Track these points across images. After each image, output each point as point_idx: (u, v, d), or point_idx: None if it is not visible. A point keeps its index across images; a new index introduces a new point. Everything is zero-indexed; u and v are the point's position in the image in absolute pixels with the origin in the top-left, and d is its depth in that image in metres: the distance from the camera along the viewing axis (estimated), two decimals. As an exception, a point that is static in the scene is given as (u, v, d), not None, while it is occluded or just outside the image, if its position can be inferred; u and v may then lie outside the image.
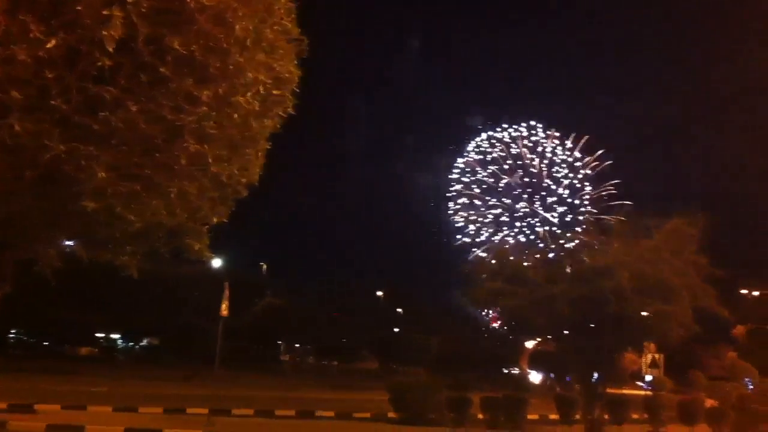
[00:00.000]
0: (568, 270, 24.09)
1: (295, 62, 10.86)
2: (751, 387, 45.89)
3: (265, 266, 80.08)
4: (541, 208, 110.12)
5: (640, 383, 47.35)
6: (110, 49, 8.22)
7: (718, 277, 23.93)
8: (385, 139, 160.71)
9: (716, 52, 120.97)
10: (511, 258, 24.73)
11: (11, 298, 12.06)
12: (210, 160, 10.06)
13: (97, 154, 9.07)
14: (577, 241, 24.56)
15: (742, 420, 26.16)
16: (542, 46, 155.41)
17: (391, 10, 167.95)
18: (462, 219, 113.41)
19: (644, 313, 23.10)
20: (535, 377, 75.28)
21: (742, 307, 62.86)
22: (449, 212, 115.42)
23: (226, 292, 20.04)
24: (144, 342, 67.49)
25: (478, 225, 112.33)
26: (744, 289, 64.98)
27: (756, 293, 65.44)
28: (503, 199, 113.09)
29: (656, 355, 33.50)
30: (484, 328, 75.63)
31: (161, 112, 9.12)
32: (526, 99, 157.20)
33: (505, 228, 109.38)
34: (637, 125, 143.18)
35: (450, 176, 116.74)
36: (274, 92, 10.36)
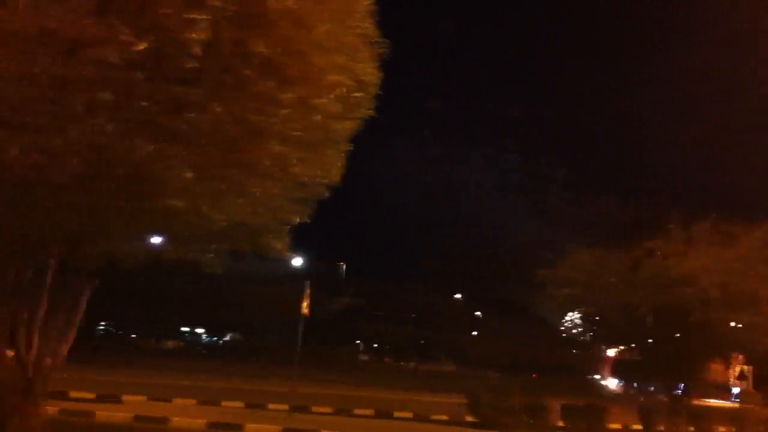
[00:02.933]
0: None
1: (375, 65, 10.91)
2: None
3: (344, 266, 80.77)
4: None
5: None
6: (196, 52, 8.43)
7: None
8: (464, 138, 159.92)
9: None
10: (591, 263, 24.24)
11: (100, 292, 12.53)
12: (293, 162, 10.21)
13: (183, 154, 9.32)
14: (660, 247, 23.80)
15: (836, 438, 25.08)
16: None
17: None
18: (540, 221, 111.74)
19: (731, 324, 22.39)
20: (616, 385, 73.83)
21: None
22: (530, 214, 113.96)
23: (307, 291, 20.33)
24: (227, 337, 68.98)
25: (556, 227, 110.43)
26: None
27: None
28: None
29: (744, 367, 32.42)
30: (563, 335, 74.53)
31: (245, 114, 9.30)
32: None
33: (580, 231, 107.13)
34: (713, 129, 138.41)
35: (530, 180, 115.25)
36: (355, 94, 10.43)
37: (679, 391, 24.88)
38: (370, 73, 10.64)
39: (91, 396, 22.18)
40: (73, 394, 21.97)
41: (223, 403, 23.92)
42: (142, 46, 8.32)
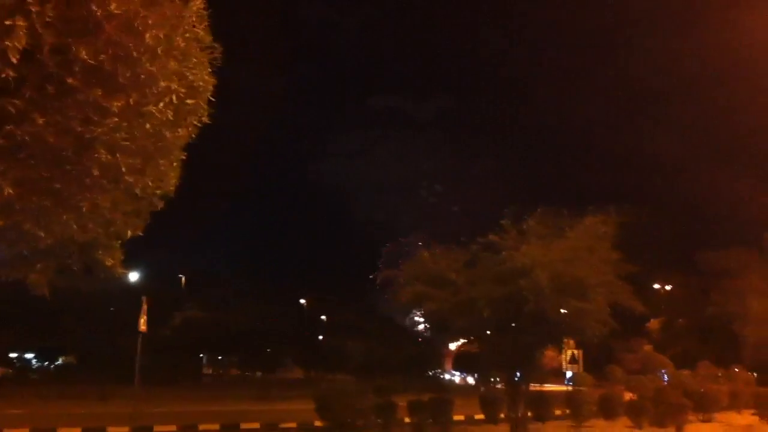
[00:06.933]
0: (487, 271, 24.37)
1: (209, 70, 10.69)
2: (667, 379, 47.41)
3: (183, 279, 78.68)
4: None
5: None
6: (14, 61, 7.92)
7: (631, 272, 24.62)
8: (298, 141, 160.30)
9: (638, 44, 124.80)
10: (432, 261, 24.87)
11: None
12: (123, 172, 9.80)
13: (2, 169, 8.74)
14: (495, 242, 24.73)
15: (660, 411, 26.98)
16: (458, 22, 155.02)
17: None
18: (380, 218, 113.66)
19: (562, 311, 23.59)
20: (459, 378, 76.30)
21: (656, 301, 65.06)
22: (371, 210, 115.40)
23: (144, 307, 19.70)
24: (59, 361, 65.56)
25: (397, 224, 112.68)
26: (656, 283, 67.26)
27: (668, 287, 67.79)
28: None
29: (575, 352, 34.32)
30: (408, 333, 76.15)
31: (70, 124, 8.84)
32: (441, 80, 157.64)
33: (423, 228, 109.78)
34: (549, 123, 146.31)
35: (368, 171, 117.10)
36: (188, 101, 10.17)
37: (517, 379, 25.91)
38: (204, 78, 10.42)
39: None
40: None
41: (60, 430, 22.69)
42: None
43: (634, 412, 27.58)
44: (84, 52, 8.40)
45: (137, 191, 10.88)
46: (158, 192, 11.42)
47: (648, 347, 63.11)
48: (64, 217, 10.12)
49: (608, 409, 28.42)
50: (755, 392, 32.16)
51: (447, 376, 78.12)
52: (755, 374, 47.11)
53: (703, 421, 29.25)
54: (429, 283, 24.46)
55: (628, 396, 31.94)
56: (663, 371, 51.20)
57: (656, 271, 64.99)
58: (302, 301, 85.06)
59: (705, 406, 29.84)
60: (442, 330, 27.40)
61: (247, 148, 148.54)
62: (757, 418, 29.29)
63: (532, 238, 24.22)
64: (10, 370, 60.38)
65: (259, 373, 70.82)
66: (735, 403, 33.91)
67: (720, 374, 46.14)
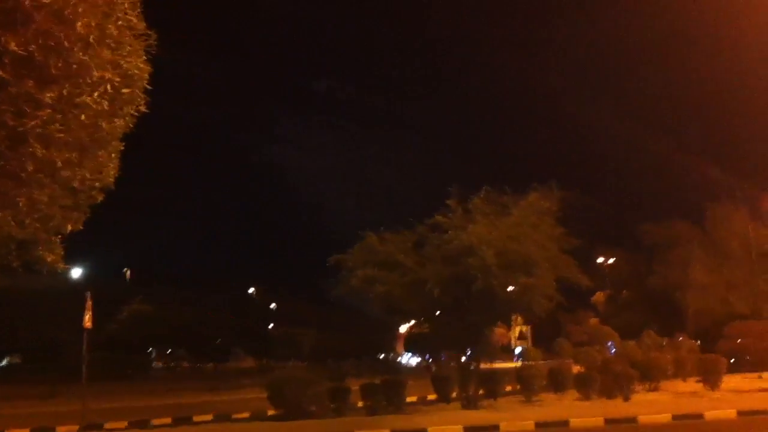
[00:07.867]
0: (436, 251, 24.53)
1: (144, 58, 10.47)
2: (614, 350, 48.44)
3: (129, 272, 77.41)
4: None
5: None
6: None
7: (575, 246, 25.06)
8: (244, 128, 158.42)
9: (576, 18, 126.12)
10: (380, 244, 24.91)
11: None
12: (59, 165, 9.57)
13: (-67, 166, 8.49)
14: (441, 222, 24.91)
15: (608, 382, 27.49)
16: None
17: None
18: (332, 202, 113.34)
19: (510, 288, 23.88)
20: (411, 359, 76.75)
21: (600, 274, 66.27)
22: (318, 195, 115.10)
23: (89, 303, 19.40)
24: (4, 362, 64.18)
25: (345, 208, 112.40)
26: (600, 257, 68.47)
27: (612, 260, 69.05)
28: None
29: (523, 328, 34.85)
30: (359, 317, 76.23)
31: (2, 118, 8.61)
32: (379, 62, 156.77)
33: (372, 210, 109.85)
34: (489, 102, 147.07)
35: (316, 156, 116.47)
36: (124, 90, 9.96)
37: (467, 358, 26.19)
38: (139, 66, 10.21)
39: None
40: None
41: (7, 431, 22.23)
42: None
43: (583, 383, 28.04)
44: (13, 44, 8.17)
45: (75, 184, 10.64)
46: (97, 185, 11.18)
47: (594, 320, 64.27)
48: (1, 214, 9.87)
49: (557, 382, 28.85)
50: (699, 359, 32.94)
51: (401, 359, 78.54)
52: (698, 342, 48.35)
53: (650, 390, 29.86)
54: (378, 266, 24.51)
55: (576, 368, 32.48)
56: (610, 343, 52.26)
57: (599, 244, 66.23)
58: (251, 290, 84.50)
59: (651, 375, 30.43)
60: (393, 312, 27.51)
61: (192, 136, 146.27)
62: (701, 384, 30.03)
63: (478, 217, 24.47)
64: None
65: (210, 364, 70.22)
66: (680, 371, 34.72)
67: (664, 343, 47.22)
